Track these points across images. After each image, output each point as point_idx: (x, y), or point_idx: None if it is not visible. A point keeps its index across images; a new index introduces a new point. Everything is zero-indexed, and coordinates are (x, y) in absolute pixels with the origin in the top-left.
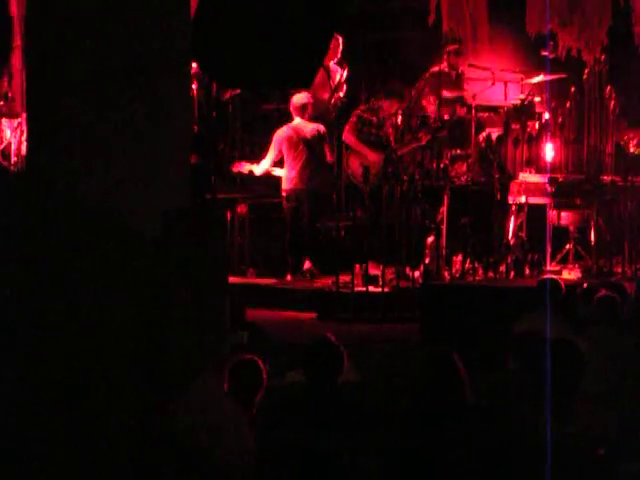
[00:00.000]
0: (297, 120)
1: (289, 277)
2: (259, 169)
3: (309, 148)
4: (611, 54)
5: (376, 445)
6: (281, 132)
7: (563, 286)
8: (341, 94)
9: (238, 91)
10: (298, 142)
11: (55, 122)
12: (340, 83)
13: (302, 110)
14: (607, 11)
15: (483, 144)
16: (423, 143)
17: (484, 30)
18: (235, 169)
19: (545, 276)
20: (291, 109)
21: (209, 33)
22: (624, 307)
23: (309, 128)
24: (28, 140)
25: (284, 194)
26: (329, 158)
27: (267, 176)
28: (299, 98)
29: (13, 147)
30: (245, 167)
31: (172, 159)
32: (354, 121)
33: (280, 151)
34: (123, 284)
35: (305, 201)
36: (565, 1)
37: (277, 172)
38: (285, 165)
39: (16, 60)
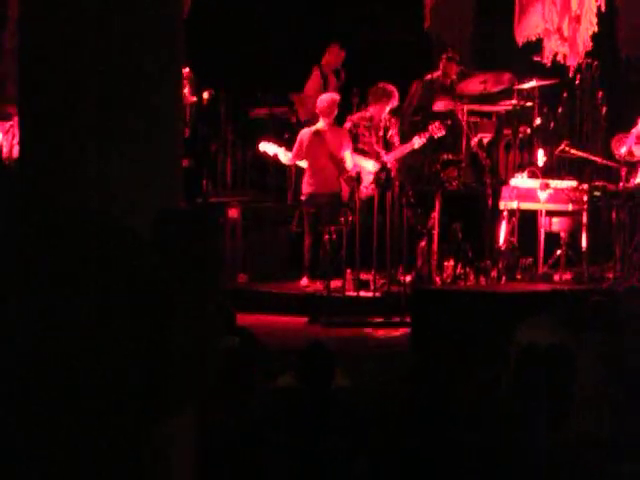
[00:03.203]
0: (321, 123)
1: (306, 281)
2: (286, 157)
3: (328, 153)
4: (602, 59)
5: (372, 447)
6: (304, 133)
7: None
8: None
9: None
10: (318, 146)
11: (48, 124)
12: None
13: (326, 112)
14: (592, 17)
15: (475, 149)
16: (415, 147)
17: (471, 35)
18: (261, 148)
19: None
20: (317, 110)
21: (202, 35)
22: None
23: (330, 132)
24: (20, 143)
25: (303, 198)
26: (348, 165)
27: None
28: (323, 99)
29: (5, 150)
30: (272, 148)
31: (164, 162)
32: (347, 130)
33: (302, 151)
34: (123, 284)
35: (323, 206)
36: (553, 7)
37: (304, 165)
38: (306, 167)
39: (10, 61)
